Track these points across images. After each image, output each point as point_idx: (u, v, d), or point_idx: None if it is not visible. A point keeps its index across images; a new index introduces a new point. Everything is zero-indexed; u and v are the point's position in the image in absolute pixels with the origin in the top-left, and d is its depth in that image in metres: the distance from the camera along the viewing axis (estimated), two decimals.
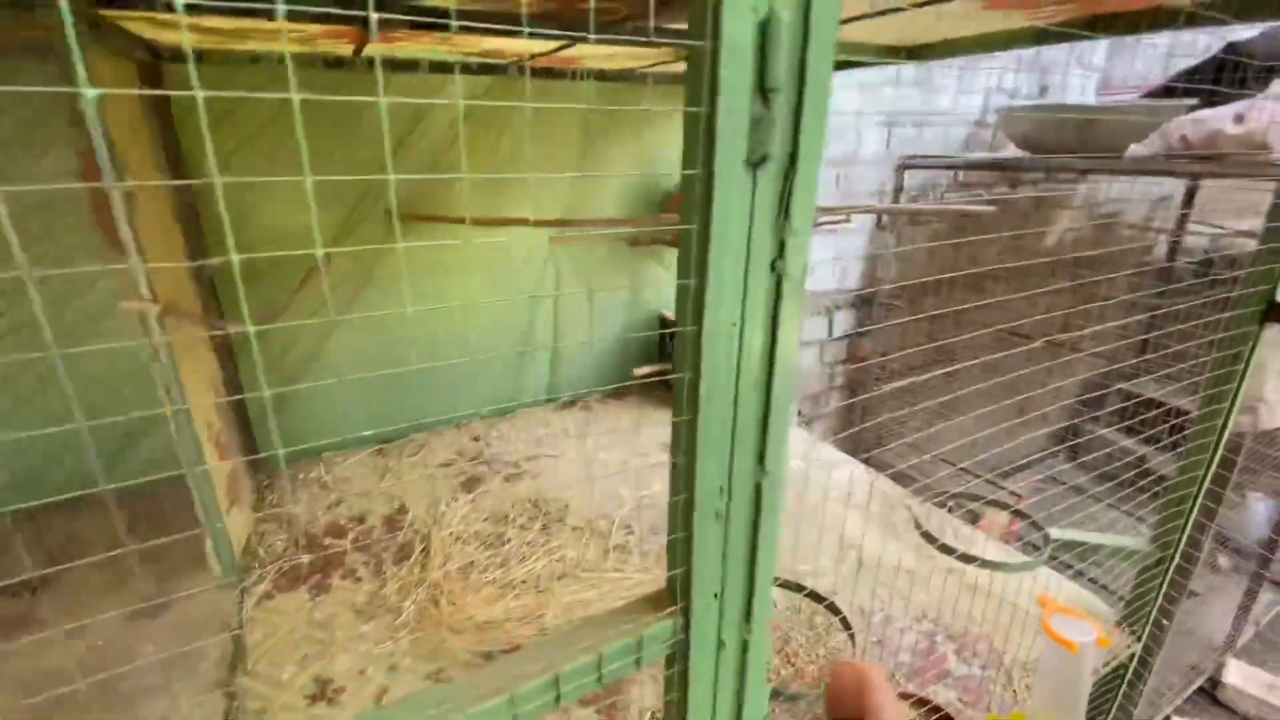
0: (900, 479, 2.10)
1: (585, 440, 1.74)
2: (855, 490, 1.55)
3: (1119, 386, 2.76)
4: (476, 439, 1.71)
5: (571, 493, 1.49)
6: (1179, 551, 1.02)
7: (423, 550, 1.27)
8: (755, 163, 0.36)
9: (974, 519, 1.73)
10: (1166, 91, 2.17)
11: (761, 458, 0.46)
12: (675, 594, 0.47)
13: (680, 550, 0.46)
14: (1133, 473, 2.59)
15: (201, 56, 1.34)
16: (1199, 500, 0.98)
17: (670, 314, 1.97)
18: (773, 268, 0.40)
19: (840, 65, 1.30)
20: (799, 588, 1.12)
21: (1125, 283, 2.49)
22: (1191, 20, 0.89)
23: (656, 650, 0.47)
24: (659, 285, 2.06)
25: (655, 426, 1.83)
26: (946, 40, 1.21)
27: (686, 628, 0.47)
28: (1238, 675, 2.37)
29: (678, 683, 0.50)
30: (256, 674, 1.04)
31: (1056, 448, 3.19)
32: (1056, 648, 0.80)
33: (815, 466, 1.66)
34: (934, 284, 2.46)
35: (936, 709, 0.94)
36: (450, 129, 1.59)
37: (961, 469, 2.41)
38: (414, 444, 1.68)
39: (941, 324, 2.47)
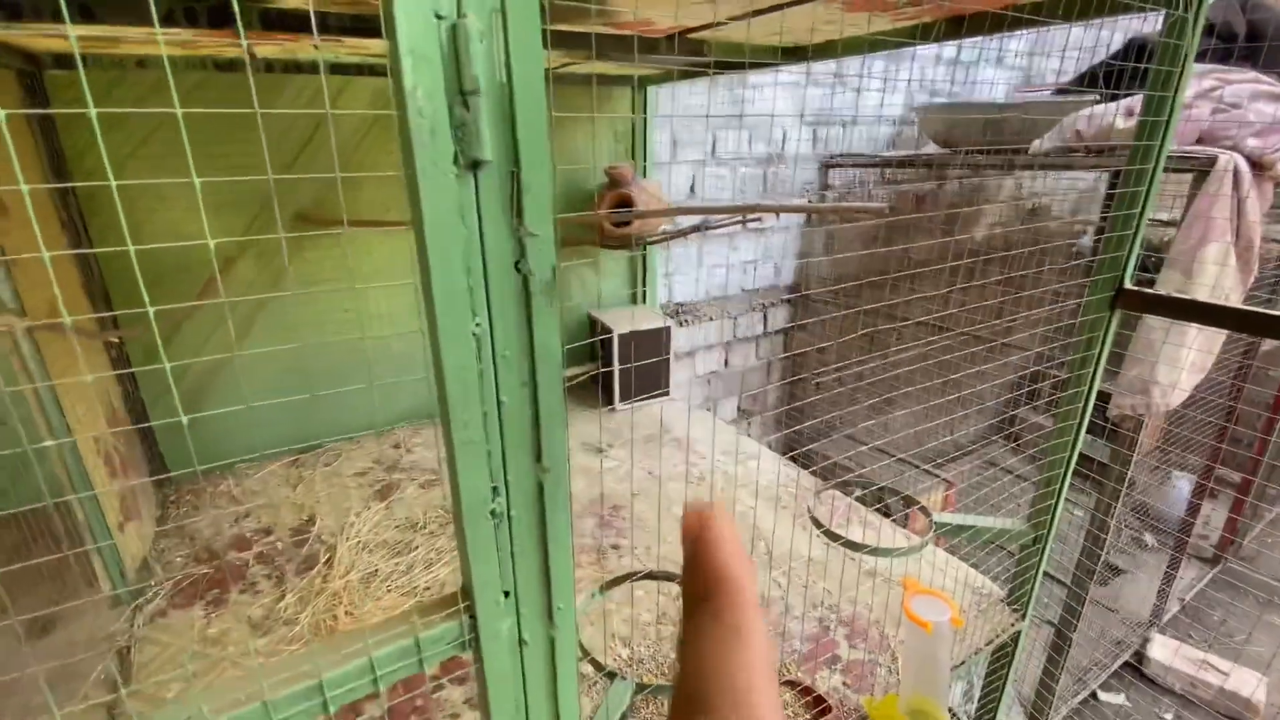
0: (835, 471, 2.14)
1: None
2: (772, 483, 1.58)
3: (1047, 370, 2.85)
4: (397, 446, 1.69)
5: None
6: (1052, 531, 1.05)
7: (326, 560, 1.26)
8: (470, 166, 0.37)
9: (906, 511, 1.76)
10: (1078, 86, 2.24)
11: (538, 456, 0.47)
12: (462, 594, 0.48)
13: (461, 551, 0.47)
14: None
15: (85, 61, 1.31)
16: (1066, 482, 1.02)
17: (599, 314, 1.97)
18: (517, 269, 0.41)
19: (730, 66, 1.32)
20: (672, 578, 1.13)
21: (1049, 272, 2.57)
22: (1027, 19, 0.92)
23: (442, 650, 0.47)
24: (587, 286, 2.06)
25: (584, 425, 1.84)
26: (831, 41, 1.23)
27: (475, 627, 0.48)
28: (1162, 650, 2.45)
29: (478, 679, 0.51)
30: (141, 693, 1.01)
31: (992, 436, 3.27)
32: (914, 628, 0.82)
33: (736, 460, 1.68)
34: (867, 278, 2.51)
35: (819, 699, 0.96)
36: (357, 130, 1.58)
37: (897, 458, 2.46)
38: (330, 453, 1.65)
39: (874, 317, 2.52)
